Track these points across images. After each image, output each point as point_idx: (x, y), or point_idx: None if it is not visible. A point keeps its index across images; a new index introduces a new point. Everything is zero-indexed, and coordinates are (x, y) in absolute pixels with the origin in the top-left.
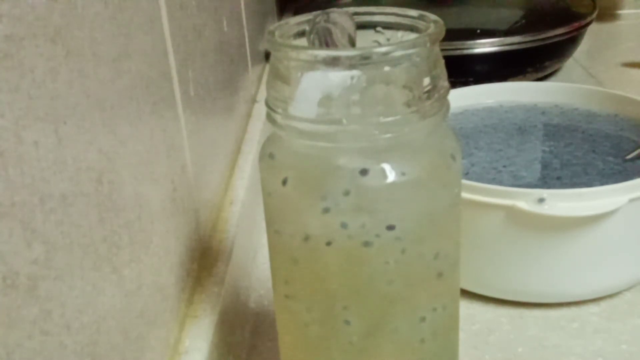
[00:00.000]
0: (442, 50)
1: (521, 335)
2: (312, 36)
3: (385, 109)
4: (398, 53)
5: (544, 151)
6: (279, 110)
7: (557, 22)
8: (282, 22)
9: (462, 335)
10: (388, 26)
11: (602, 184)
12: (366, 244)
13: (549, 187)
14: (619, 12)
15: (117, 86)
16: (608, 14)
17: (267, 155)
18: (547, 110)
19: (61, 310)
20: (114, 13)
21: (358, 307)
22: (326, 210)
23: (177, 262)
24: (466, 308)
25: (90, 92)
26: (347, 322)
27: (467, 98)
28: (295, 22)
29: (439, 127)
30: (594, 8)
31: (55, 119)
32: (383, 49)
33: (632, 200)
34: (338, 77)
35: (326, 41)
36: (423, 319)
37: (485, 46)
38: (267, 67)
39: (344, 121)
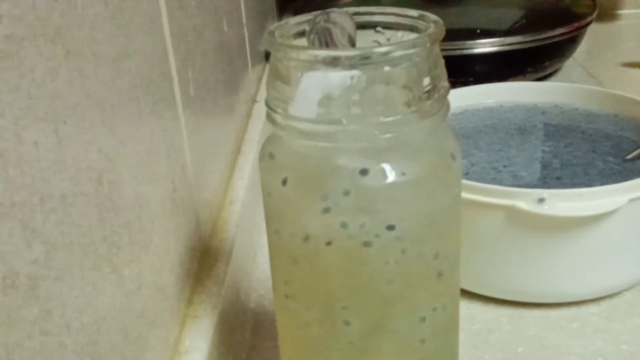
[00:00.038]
0: (442, 50)
1: (521, 335)
2: (312, 36)
3: (385, 109)
4: (398, 53)
5: (544, 151)
6: (279, 110)
7: (557, 22)
8: (282, 22)
9: (462, 335)
10: (388, 26)
11: (602, 184)
12: (366, 244)
13: (549, 187)
14: (619, 12)
15: (117, 86)
16: (608, 14)
17: (267, 155)
18: (547, 110)
19: (61, 310)
20: (114, 13)
21: (358, 307)
22: (326, 210)
23: (177, 262)
24: (466, 308)
25: (90, 92)
26: (347, 323)
27: (467, 98)
28: (295, 22)
29: (439, 127)
30: (594, 8)
31: (55, 119)
32: (383, 49)
33: (632, 200)
34: (338, 77)
35: (326, 41)
36: (423, 319)
37: (485, 46)
38: (267, 67)
39: (344, 121)
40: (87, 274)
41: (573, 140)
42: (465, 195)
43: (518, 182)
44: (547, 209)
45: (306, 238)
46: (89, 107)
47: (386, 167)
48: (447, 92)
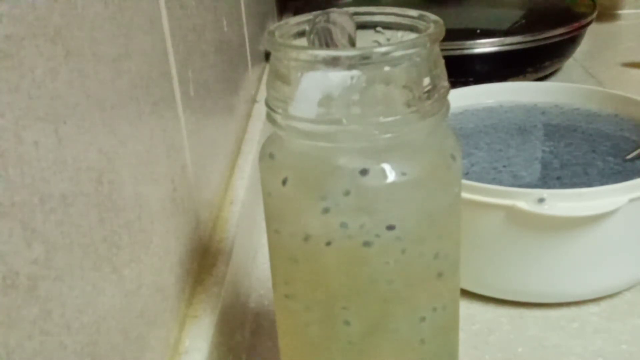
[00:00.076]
0: (442, 50)
1: (521, 335)
2: (312, 36)
3: (385, 109)
4: (398, 53)
5: (544, 151)
6: (279, 110)
7: (557, 22)
8: (282, 22)
9: (462, 335)
10: (388, 26)
11: (602, 184)
12: (366, 244)
13: (549, 187)
14: (619, 12)
15: (117, 86)
16: (608, 14)
17: (267, 155)
18: (547, 110)
19: (61, 310)
20: (114, 13)
21: (358, 307)
22: (326, 210)
23: (177, 262)
24: (466, 308)
25: (90, 92)
26: (347, 323)
27: (467, 98)
28: (295, 22)
29: (439, 127)
30: (594, 8)
31: (55, 119)
32: (383, 49)
33: (632, 200)
34: (338, 77)
35: (326, 41)
36: (423, 319)
37: (485, 46)
38: (267, 67)
39: (344, 121)
40: (87, 274)
41: (573, 140)
42: (465, 195)
43: (518, 182)
44: (547, 209)
45: (306, 238)
46: (89, 107)
47: (386, 167)
48: (447, 92)
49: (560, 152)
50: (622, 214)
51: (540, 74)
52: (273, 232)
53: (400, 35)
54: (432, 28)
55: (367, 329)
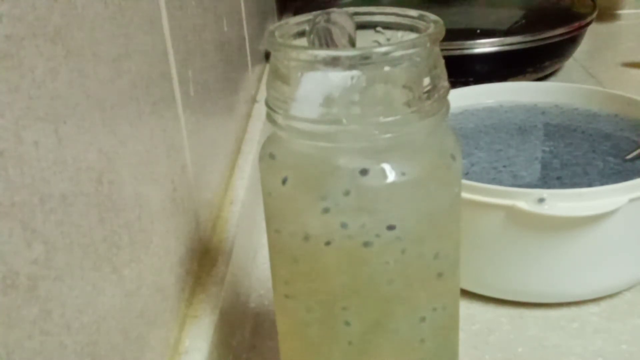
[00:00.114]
0: (442, 50)
1: (521, 335)
2: (312, 36)
3: (385, 109)
4: (398, 53)
5: (544, 151)
6: (279, 111)
7: (557, 22)
8: (282, 22)
9: (462, 335)
10: (388, 26)
11: (602, 184)
12: (366, 244)
13: (549, 187)
14: (619, 12)
15: (117, 86)
16: (608, 14)
17: (267, 155)
18: (547, 110)
19: (61, 310)
20: (114, 13)
21: (358, 307)
22: (326, 210)
23: (177, 262)
24: (466, 308)
25: (90, 92)
26: (347, 323)
27: (467, 98)
28: (295, 22)
29: (439, 127)
30: (594, 8)
31: (55, 119)
32: (383, 49)
33: (632, 200)
34: (338, 77)
35: (326, 41)
36: (423, 319)
37: (485, 46)
38: (267, 67)
39: (344, 121)
40: (87, 274)
41: (573, 140)
42: (465, 195)
43: (518, 182)
44: (547, 209)
45: (306, 238)
46: (89, 107)
47: (386, 167)
48: (447, 92)
49: (560, 152)
50: (622, 214)
51: (540, 74)
52: (273, 232)
53: (400, 35)
54: (432, 28)
55: (367, 329)
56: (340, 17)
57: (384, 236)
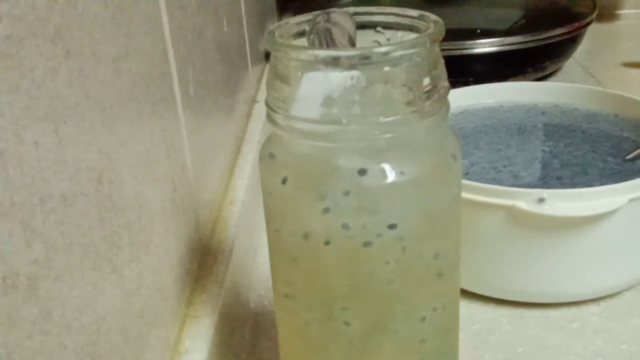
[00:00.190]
0: (442, 50)
1: (521, 335)
2: (312, 36)
3: (385, 109)
4: (398, 53)
5: (544, 151)
6: (279, 111)
7: (557, 22)
8: (282, 22)
9: (462, 335)
10: (388, 26)
11: (602, 184)
12: (366, 244)
13: (549, 187)
14: (619, 12)
15: (117, 86)
16: (608, 14)
17: (267, 155)
18: (547, 110)
19: (61, 310)
20: (114, 13)
21: (358, 307)
22: (326, 211)
23: (177, 262)
24: (466, 308)
25: (90, 92)
26: (347, 323)
27: (467, 98)
28: (295, 22)
29: (439, 127)
30: (594, 8)
31: (55, 119)
32: (383, 49)
33: (632, 200)
34: (338, 77)
35: (326, 41)
36: (423, 319)
37: (485, 46)
38: (267, 67)
39: (344, 121)
40: (87, 274)
41: (573, 140)
42: (465, 195)
43: (518, 182)
44: (547, 209)
45: (306, 237)
46: (89, 107)
47: (386, 167)
48: (447, 92)
49: (560, 152)
50: (622, 214)
51: (540, 74)
52: (273, 231)
53: (400, 35)
54: (432, 28)
55: (367, 329)
56: (340, 17)
57: (385, 235)
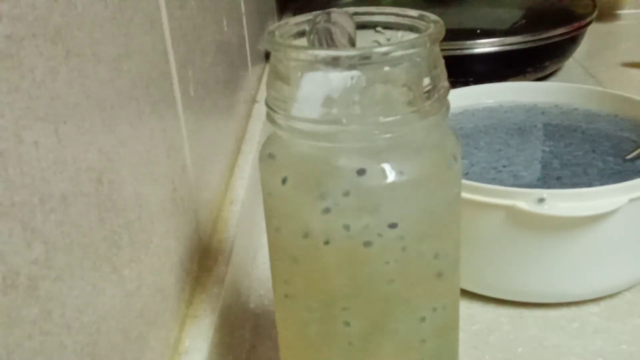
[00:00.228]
0: (442, 50)
1: (521, 335)
2: (312, 36)
3: (385, 109)
4: (398, 53)
5: (544, 151)
6: (279, 111)
7: (557, 22)
8: (282, 22)
9: (462, 335)
10: (388, 26)
11: (602, 184)
12: (367, 243)
13: (549, 187)
14: (619, 12)
15: (117, 86)
16: (608, 14)
17: (267, 156)
18: (547, 110)
19: (61, 310)
20: (114, 13)
21: (358, 307)
22: (326, 211)
23: (177, 262)
24: (466, 308)
25: (90, 92)
26: (347, 323)
27: (467, 98)
28: (295, 22)
29: (439, 127)
30: (594, 8)
31: (55, 119)
32: (383, 49)
33: (632, 200)
34: (338, 77)
35: (326, 41)
36: (423, 319)
37: (485, 46)
38: (267, 67)
39: (344, 121)
40: (87, 274)
41: (573, 140)
42: (465, 195)
43: (518, 182)
44: (547, 209)
45: (306, 237)
46: (89, 107)
47: (386, 167)
48: (447, 92)
49: (560, 152)
50: (622, 214)
51: (540, 74)
52: (273, 230)
53: (400, 35)
54: (432, 28)
55: (367, 329)
56: (340, 17)
57: (385, 235)
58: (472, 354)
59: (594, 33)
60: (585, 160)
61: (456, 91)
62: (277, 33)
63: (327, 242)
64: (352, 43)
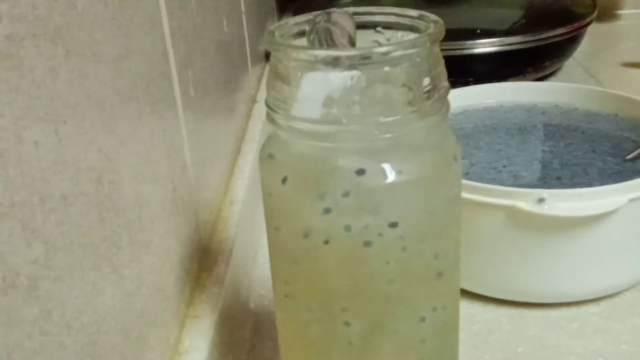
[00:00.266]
0: (442, 50)
1: (521, 335)
2: (312, 36)
3: (385, 109)
4: (398, 53)
5: (544, 151)
6: (279, 111)
7: (557, 22)
8: (282, 22)
9: (462, 335)
10: (388, 26)
11: (602, 184)
12: (367, 243)
13: (549, 187)
14: (619, 12)
15: (117, 86)
16: (608, 14)
17: (267, 156)
18: (547, 110)
19: (61, 310)
20: (114, 13)
21: (358, 307)
22: (327, 211)
23: (177, 262)
24: (466, 308)
25: (90, 92)
26: (347, 323)
27: (467, 98)
28: (295, 22)
29: (439, 127)
30: (594, 8)
31: (55, 119)
32: (383, 49)
33: (632, 200)
34: (338, 78)
35: (326, 41)
36: (423, 319)
37: (485, 46)
38: (267, 67)
39: (344, 121)
40: (87, 274)
41: (573, 140)
42: (465, 195)
43: (518, 182)
44: (547, 209)
45: (306, 237)
46: (89, 107)
47: (386, 167)
48: (447, 92)
49: (560, 152)
50: (622, 214)
51: (540, 74)
52: (273, 230)
53: (400, 35)
54: (432, 28)
55: (367, 329)
56: (340, 17)
57: (385, 235)
58: (472, 354)
59: (594, 33)
60: (585, 160)
61: (456, 91)
62: (277, 33)
63: (327, 242)
64: (352, 43)
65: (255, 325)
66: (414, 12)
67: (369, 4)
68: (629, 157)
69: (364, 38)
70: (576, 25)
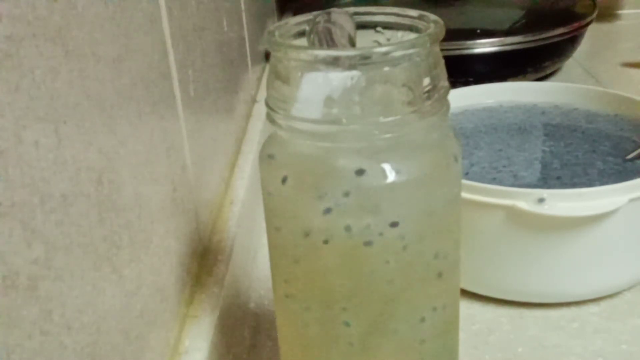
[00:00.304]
0: (442, 50)
1: (521, 335)
2: (312, 36)
3: (385, 109)
4: (398, 53)
5: (544, 151)
6: (280, 111)
7: (557, 22)
8: (282, 22)
9: (462, 335)
10: (388, 26)
11: (602, 184)
12: (367, 243)
13: (549, 187)
14: (619, 12)
15: (117, 86)
16: (608, 14)
17: (267, 156)
18: (547, 110)
19: (61, 310)
20: (114, 13)
21: (358, 307)
22: (327, 211)
23: (177, 262)
24: (466, 308)
25: (90, 92)
26: (347, 324)
27: (467, 98)
28: (295, 22)
29: (439, 127)
30: (594, 8)
31: (55, 119)
32: (383, 49)
33: (632, 200)
34: (338, 78)
35: (326, 41)
36: (423, 319)
37: (485, 46)
38: (267, 67)
39: (344, 121)
40: (87, 274)
41: (573, 140)
42: (465, 195)
43: (518, 182)
44: (547, 209)
45: (306, 237)
46: (89, 107)
47: (386, 167)
48: (447, 92)
49: (560, 152)
50: (622, 214)
51: (540, 74)
52: (273, 230)
53: (400, 35)
54: (432, 28)
55: (367, 329)
56: (340, 17)
57: (386, 234)
58: (472, 354)
59: (594, 33)
60: (585, 160)
61: (456, 91)
62: (277, 33)
63: (327, 242)
64: (352, 43)
65: (255, 325)
66: (414, 12)
67: (369, 4)
68: (629, 157)
69: (364, 38)
70: (576, 25)
